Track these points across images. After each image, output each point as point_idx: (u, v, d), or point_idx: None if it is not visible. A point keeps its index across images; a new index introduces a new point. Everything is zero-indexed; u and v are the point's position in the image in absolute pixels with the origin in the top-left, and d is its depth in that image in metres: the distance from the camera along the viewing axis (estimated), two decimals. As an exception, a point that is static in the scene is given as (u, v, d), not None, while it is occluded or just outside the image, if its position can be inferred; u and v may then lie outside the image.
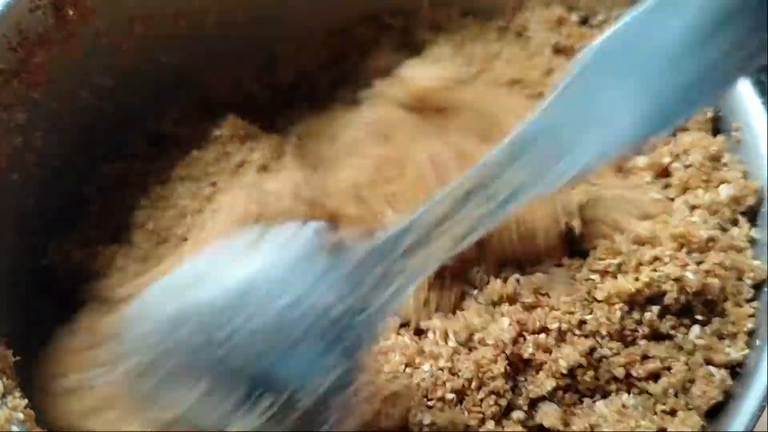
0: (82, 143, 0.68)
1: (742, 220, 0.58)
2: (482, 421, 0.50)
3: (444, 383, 0.50)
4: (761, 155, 0.58)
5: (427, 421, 0.49)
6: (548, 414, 0.51)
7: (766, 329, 0.53)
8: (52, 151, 0.66)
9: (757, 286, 0.55)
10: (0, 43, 0.60)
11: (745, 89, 0.60)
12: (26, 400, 0.51)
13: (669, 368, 0.52)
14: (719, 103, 0.62)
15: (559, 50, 0.70)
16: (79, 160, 0.68)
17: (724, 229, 0.57)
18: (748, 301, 0.55)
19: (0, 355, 0.54)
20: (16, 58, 0.61)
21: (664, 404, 0.52)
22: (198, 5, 0.71)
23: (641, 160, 0.60)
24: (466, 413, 0.50)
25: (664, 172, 0.59)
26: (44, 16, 0.62)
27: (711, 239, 0.55)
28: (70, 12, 0.63)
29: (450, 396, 0.50)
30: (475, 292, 0.56)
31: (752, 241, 0.58)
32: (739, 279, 0.55)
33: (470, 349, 0.52)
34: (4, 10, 0.60)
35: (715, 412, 0.52)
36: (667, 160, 0.60)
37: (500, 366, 0.50)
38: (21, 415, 0.49)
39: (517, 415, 0.51)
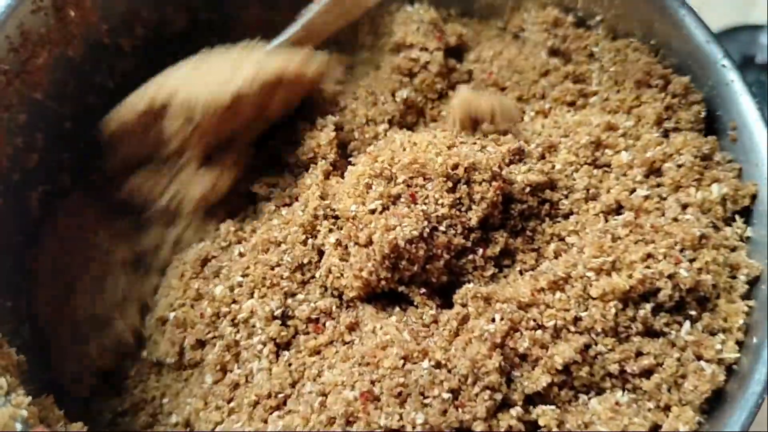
0: (84, 144, 0.68)
1: (737, 218, 0.59)
2: (476, 416, 0.50)
3: (441, 382, 0.51)
4: (758, 154, 0.59)
5: (420, 420, 0.49)
6: (545, 413, 0.51)
7: (765, 327, 0.53)
8: (54, 151, 0.67)
9: (753, 284, 0.56)
10: (2, 44, 0.60)
11: (740, 88, 0.61)
12: (30, 398, 0.51)
13: (661, 364, 0.53)
14: (716, 102, 0.62)
15: (554, 52, 0.70)
16: (81, 160, 0.69)
17: (717, 228, 0.58)
18: (743, 297, 0.55)
19: (3, 354, 0.54)
20: (18, 59, 0.61)
21: (658, 400, 0.52)
22: (197, 6, 0.71)
23: (625, 156, 0.60)
24: (460, 409, 0.50)
25: (657, 171, 0.60)
26: (46, 17, 0.62)
27: (703, 237, 0.56)
28: (72, 13, 0.64)
29: (446, 395, 0.50)
30: (471, 283, 0.57)
31: (748, 240, 0.58)
32: (733, 276, 0.56)
33: (465, 344, 0.53)
34: (5, 11, 0.60)
35: (712, 410, 0.52)
36: (653, 155, 0.60)
37: (495, 361, 0.51)
38: (25, 413, 0.50)
39: (511, 410, 0.51)
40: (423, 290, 0.56)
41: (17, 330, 0.61)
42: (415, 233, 0.55)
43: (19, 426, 0.49)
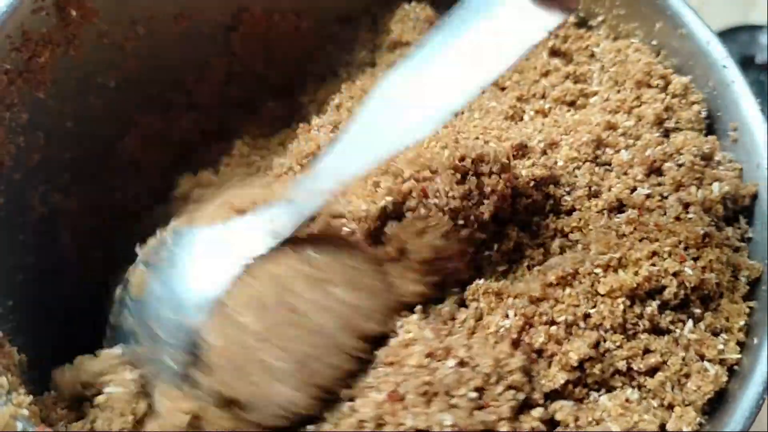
0: (85, 143, 0.69)
1: (739, 218, 0.59)
2: (501, 416, 0.49)
3: (467, 381, 0.50)
4: (758, 154, 0.59)
5: (449, 422, 0.48)
6: (563, 407, 0.51)
7: (765, 328, 0.53)
8: (55, 150, 0.67)
9: (753, 284, 0.56)
10: (3, 43, 0.60)
11: (741, 89, 0.61)
12: (31, 397, 0.51)
13: (666, 362, 0.52)
14: (716, 102, 0.62)
15: (555, 53, 0.70)
16: (81, 159, 0.69)
17: (719, 227, 0.58)
18: (744, 298, 0.55)
19: (4, 353, 0.54)
20: (19, 59, 0.61)
21: (662, 398, 0.52)
22: (199, 6, 0.72)
23: (624, 155, 0.60)
24: (484, 410, 0.49)
25: (657, 170, 0.60)
26: (47, 17, 0.62)
27: (707, 235, 0.56)
28: (73, 13, 0.64)
29: (472, 395, 0.49)
30: (481, 280, 0.56)
31: (749, 240, 0.58)
32: (735, 276, 0.56)
33: (483, 340, 0.52)
34: (7, 10, 0.60)
35: (713, 410, 0.52)
36: (653, 155, 0.60)
37: (518, 360, 0.51)
38: (26, 412, 0.50)
39: (533, 411, 0.51)
40: (455, 289, 0.56)
41: (18, 329, 0.61)
42: (446, 229, 0.54)
43: (20, 425, 0.49)
